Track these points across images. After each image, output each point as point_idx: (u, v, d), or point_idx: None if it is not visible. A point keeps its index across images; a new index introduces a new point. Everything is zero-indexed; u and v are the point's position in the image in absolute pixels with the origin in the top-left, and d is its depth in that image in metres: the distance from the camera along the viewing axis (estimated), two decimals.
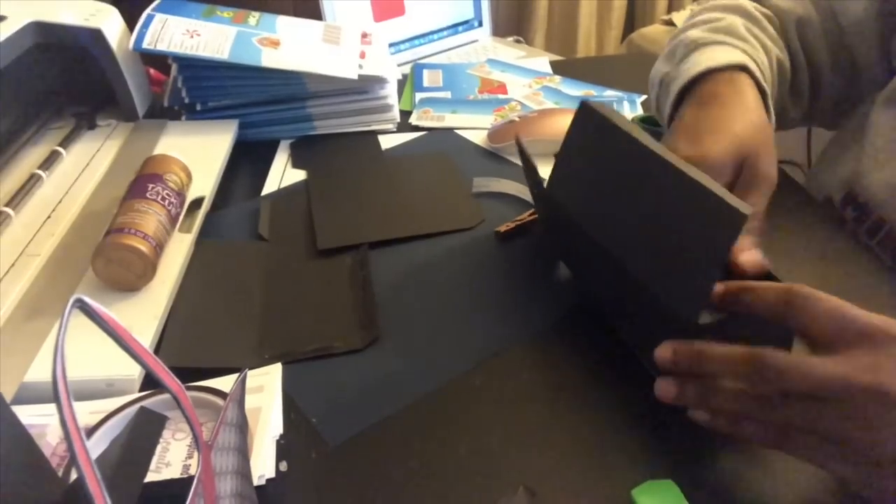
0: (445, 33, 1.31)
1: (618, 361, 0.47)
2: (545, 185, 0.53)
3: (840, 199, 0.61)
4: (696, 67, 0.56)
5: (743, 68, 0.55)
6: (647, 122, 0.76)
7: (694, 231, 0.40)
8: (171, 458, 0.40)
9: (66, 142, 0.70)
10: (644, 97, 0.83)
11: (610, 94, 0.85)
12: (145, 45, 0.70)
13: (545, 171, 0.69)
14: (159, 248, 0.53)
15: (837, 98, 0.67)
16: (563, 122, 0.74)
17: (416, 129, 0.80)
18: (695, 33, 0.61)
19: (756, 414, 0.37)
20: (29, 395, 0.43)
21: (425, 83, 0.90)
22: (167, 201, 0.56)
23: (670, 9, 2.22)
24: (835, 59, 0.64)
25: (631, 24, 2.25)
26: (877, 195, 0.56)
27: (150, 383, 0.45)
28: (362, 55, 0.78)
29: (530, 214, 0.61)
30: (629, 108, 0.82)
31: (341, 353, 0.49)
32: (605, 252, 0.46)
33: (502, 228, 0.60)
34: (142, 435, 0.31)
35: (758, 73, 0.55)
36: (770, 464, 0.40)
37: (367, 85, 0.76)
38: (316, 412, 0.45)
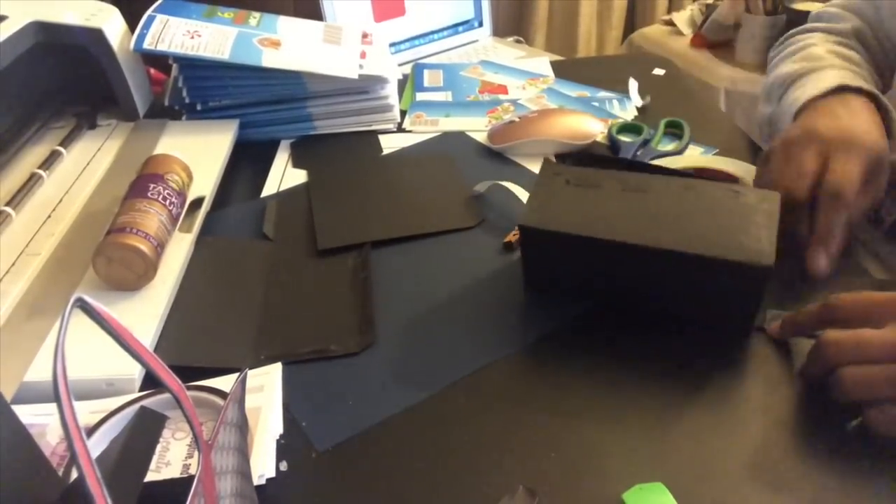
0: (446, 33, 1.31)
1: (614, 368, 0.47)
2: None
3: None
4: (798, 102, 0.58)
5: (843, 89, 0.57)
6: (629, 129, 0.76)
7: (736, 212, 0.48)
8: (171, 458, 0.40)
9: (66, 141, 0.70)
10: (637, 100, 0.83)
11: (603, 94, 0.85)
12: (146, 45, 0.70)
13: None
14: (160, 247, 0.53)
15: None
16: (562, 123, 0.74)
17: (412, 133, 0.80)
18: (785, 68, 0.65)
19: None
20: (29, 395, 0.43)
21: (426, 83, 0.90)
22: (168, 201, 0.56)
23: (670, 9, 2.22)
24: (888, 55, 0.68)
25: (631, 24, 2.25)
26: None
27: (150, 383, 0.46)
28: (363, 55, 0.78)
29: None
30: (620, 109, 0.82)
31: (337, 356, 0.49)
32: (637, 249, 0.47)
33: (512, 239, 0.59)
34: (142, 434, 0.31)
35: (860, 84, 0.58)
36: (761, 466, 0.40)
37: (367, 85, 0.76)
38: (306, 416, 0.45)
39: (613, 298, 0.52)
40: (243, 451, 0.35)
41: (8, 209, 0.59)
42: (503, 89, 0.88)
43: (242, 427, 0.36)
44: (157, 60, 0.78)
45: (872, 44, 0.69)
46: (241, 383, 0.36)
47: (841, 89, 0.57)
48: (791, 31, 0.74)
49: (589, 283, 0.52)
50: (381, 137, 0.77)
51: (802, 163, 0.51)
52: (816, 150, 0.51)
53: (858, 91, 0.57)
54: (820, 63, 0.63)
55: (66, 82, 0.76)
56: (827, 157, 0.50)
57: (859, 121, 0.53)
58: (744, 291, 0.47)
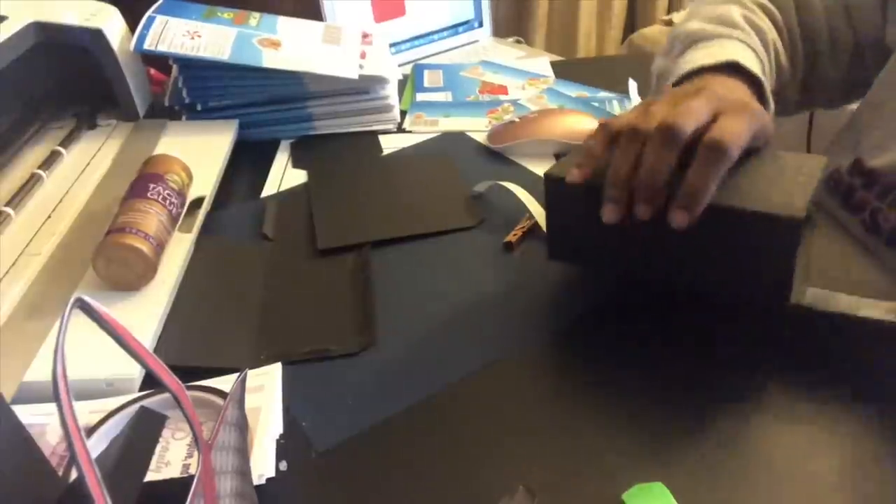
0: (446, 34, 1.31)
1: (614, 368, 0.47)
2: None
3: (847, 169, 0.60)
4: (688, 64, 0.56)
5: (735, 66, 0.55)
6: None
7: (780, 173, 0.45)
8: (171, 458, 0.40)
9: (66, 141, 0.70)
10: (637, 100, 0.83)
11: (603, 95, 0.85)
12: (146, 46, 0.70)
13: (544, 171, 0.70)
14: (160, 247, 0.53)
15: (840, 79, 0.67)
16: (562, 123, 0.74)
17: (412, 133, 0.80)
18: (692, 25, 0.62)
19: None
20: (29, 395, 0.43)
21: (426, 83, 0.90)
22: (168, 201, 0.56)
23: (670, 9, 2.22)
24: (835, 40, 0.65)
25: (631, 24, 2.25)
26: (884, 171, 0.56)
27: (150, 383, 0.46)
28: (363, 55, 0.78)
29: (527, 219, 0.61)
30: (620, 109, 0.82)
31: (337, 356, 0.49)
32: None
33: (512, 239, 0.59)
34: (142, 434, 0.31)
35: (753, 67, 0.56)
36: (761, 466, 0.40)
37: (367, 85, 0.76)
38: (307, 415, 0.45)
39: (639, 268, 0.49)
40: (243, 451, 0.35)
41: (8, 209, 0.59)
42: (503, 89, 0.88)
43: (242, 427, 0.36)
44: (157, 61, 0.78)
45: (815, 8, 0.65)
46: (241, 383, 0.36)
47: (735, 67, 0.55)
48: None
49: (615, 250, 0.49)
50: (381, 137, 0.77)
51: (692, 107, 0.45)
52: (709, 104, 0.46)
53: (748, 74, 0.55)
54: (729, 31, 0.59)
55: (65, 83, 0.76)
56: (718, 113, 0.45)
57: (747, 97, 0.52)
58: (774, 251, 0.44)
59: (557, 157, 0.72)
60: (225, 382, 0.44)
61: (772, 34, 0.62)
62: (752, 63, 0.56)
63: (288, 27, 0.78)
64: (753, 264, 0.45)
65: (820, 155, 0.46)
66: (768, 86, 0.57)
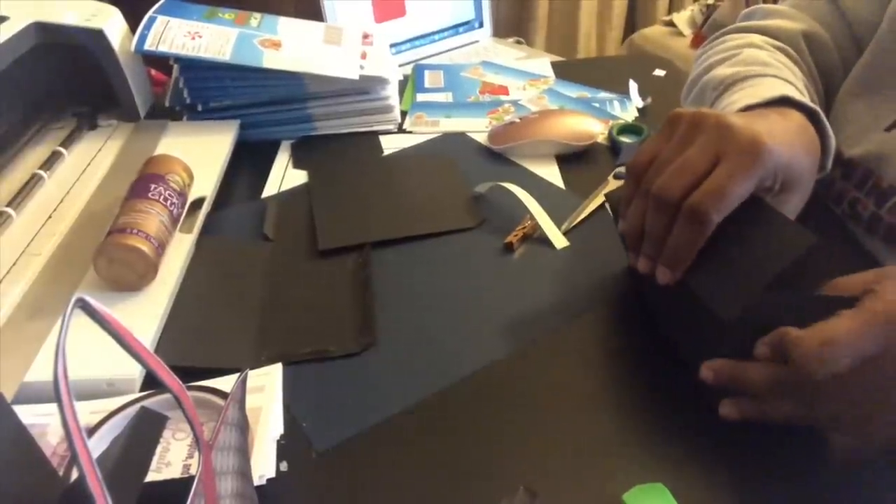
0: (446, 34, 1.31)
1: (614, 368, 0.48)
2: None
3: None
4: (733, 106, 0.51)
5: (784, 100, 0.50)
6: (629, 130, 0.76)
7: (754, 246, 0.42)
8: (172, 458, 0.40)
9: (67, 142, 0.70)
10: (637, 101, 0.83)
11: (603, 95, 0.85)
12: (147, 46, 0.70)
13: (545, 172, 0.70)
14: (161, 248, 0.53)
15: None
16: (562, 124, 0.74)
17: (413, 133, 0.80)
18: (722, 71, 0.58)
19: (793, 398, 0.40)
20: (29, 395, 0.44)
21: (426, 84, 0.90)
22: (169, 201, 0.56)
23: (671, 9, 2.23)
24: (848, 69, 0.63)
25: (632, 24, 2.25)
26: (860, 161, 0.56)
27: (151, 383, 0.46)
28: (363, 56, 0.78)
29: (528, 219, 0.61)
30: (620, 110, 0.82)
31: (337, 356, 0.49)
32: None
33: (512, 240, 0.59)
34: (142, 435, 0.31)
35: (802, 98, 0.51)
36: (760, 467, 0.40)
37: (368, 85, 0.76)
38: (307, 416, 0.45)
39: (647, 296, 0.52)
40: (244, 452, 0.35)
41: (9, 210, 0.59)
42: (504, 90, 0.88)
43: (243, 427, 0.36)
44: (157, 61, 0.78)
45: (826, 45, 0.63)
46: (242, 383, 0.36)
47: (782, 101, 0.50)
48: (724, 30, 0.68)
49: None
50: (382, 138, 0.78)
51: (687, 163, 0.43)
52: (708, 150, 0.43)
53: (800, 107, 0.50)
54: (765, 69, 0.56)
55: (66, 83, 0.76)
56: (719, 158, 0.43)
57: (785, 130, 0.46)
58: (709, 338, 0.43)
59: (558, 157, 0.73)
60: (225, 383, 0.44)
61: (798, 72, 0.60)
62: (798, 94, 0.52)
63: (289, 28, 0.78)
64: (700, 343, 0.45)
65: (812, 234, 0.41)
66: (822, 112, 0.51)
